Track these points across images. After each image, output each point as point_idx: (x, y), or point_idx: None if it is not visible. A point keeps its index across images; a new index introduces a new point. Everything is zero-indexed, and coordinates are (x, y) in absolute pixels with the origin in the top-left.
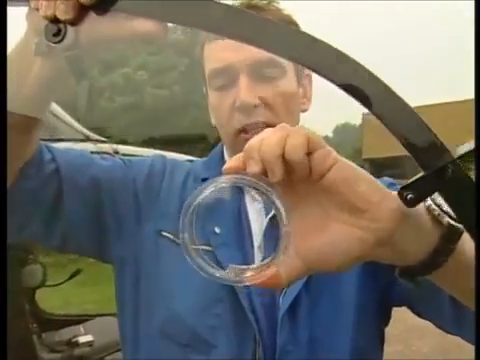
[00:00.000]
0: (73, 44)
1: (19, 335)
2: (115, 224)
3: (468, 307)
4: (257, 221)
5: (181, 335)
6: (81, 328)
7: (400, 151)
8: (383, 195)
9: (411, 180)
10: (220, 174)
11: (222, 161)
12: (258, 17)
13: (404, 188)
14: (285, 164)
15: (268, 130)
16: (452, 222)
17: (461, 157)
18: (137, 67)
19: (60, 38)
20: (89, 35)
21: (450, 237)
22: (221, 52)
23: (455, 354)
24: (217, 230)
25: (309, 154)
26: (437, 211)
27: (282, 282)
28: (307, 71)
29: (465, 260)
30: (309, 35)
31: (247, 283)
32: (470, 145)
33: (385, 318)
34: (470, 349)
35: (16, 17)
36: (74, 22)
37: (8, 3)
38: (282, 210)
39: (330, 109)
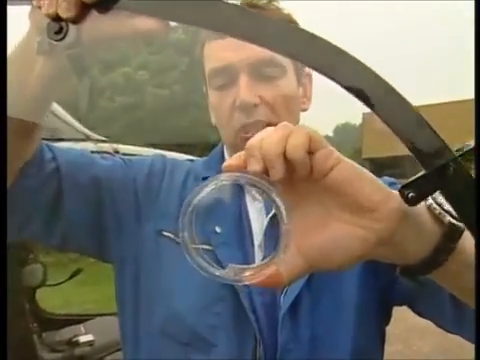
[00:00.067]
0: (75, 42)
1: (19, 335)
2: (115, 223)
3: (469, 306)
4: (258, 220)
5: (181, 334)
6: (81, 328)
7: (400, 151)
8: (385, 195)
9: (412, 178)
10: (220, 173)
11: (222, 160)
12: (259, 16)
13: (405, 187)
14: (286, 163)
15: (269, 129)
16: (453, 221)
17: (462, 155)
18: (138, 66)
19: (62, 36)
20: (91, 33)
21: (451, 236)
22: (221, 51)
23: (456, 354)
24: (218, 229)
25: (310, 153)
26: (438, 210)
27: (282, 281)
28: (307, 70)
29: (466, 259)
30: (309, 32)
31: (247, 282)
32: (472, 144)
33: (386, 317)
34: (471, 349)
35: (16, 16)
36: (76, 20)
37: (8, 2)
38: (282, 208)
39: (330, 109)
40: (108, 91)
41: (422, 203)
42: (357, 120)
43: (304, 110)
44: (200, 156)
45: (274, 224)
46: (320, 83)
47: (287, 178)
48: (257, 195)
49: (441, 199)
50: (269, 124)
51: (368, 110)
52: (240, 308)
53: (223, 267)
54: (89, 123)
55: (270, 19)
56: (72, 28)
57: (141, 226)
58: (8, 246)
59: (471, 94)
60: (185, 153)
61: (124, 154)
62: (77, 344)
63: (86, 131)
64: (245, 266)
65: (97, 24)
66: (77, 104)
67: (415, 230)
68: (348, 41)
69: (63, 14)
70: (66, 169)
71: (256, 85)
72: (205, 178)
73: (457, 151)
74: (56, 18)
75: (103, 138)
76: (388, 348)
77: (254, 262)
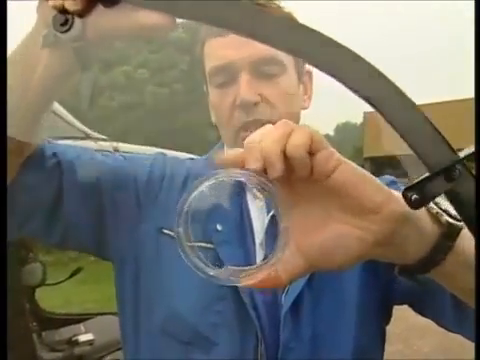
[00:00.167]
0: (80, 35)
1: (19, 334)
2: (115, 222)
3: (470, 305)
4: (259, 219)
5: (182, 333)
6: (81, 327)
7: (401, 150)
8: (387, 197)
9: (416, 180)
10: (217, 170)
11: None
12: (261, 10)
13: (409, 189)
14: (285, 161)
15: (269, 126)
16: (450, 220)
17: (467, 157)
18: (138, 65)
19: (67, 28)
20: (96, 28)
21: (449, 235)
22: (221, 50)
23: (456, 353)
24: (219, 227)
25: (311, 154)
26: (435, 209)
27: (280, 283)
28: (308, 68)
29: (465, 259)
30: (311, 29)
31: (242, 284)
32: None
33: (386, 316)
34: (471, 348)
35: (16, 16)
36: (82, 13)
37: None
38: (280, 207)
39: (331, 107)
40: (108, 90)
41: None
42: (358, 119)
43: (304, 108)
44: (200, 154)
45: (275, 222)
46: (321, 81)
47: (286, 177)
48: (258, 193)
49: (438, 198)
50: (269, 122)
51: (369, 109)
52: (241, 306)
53: (222, 265)
54: (89, 122)
55: (271, 15)
56: (78, 21)
57: (141, 224)
58: (8, 244)
59: (471, 94)
60: (186, 151)
61: (124, 153)
62: (77, 343)
63: (86, 130)
64: (241, 268)
65: (102, 19)
66: (77, 103)
67: (415, 231)
68: (348, 41)
69: (70, 7)
70: (67, 166)
71: (257, 83)
72: None
73: (466, 157)
74: (62, 11)
75: (103, 137)
76: (388, 348)
77: (255, 260)
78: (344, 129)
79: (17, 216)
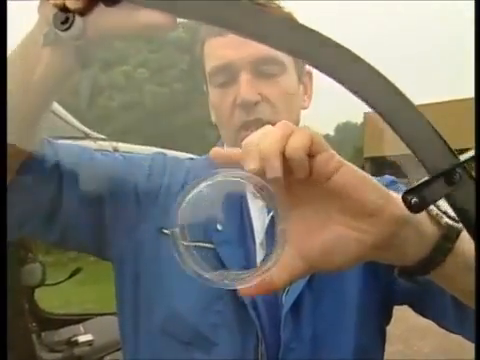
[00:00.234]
0: (80, 34)
1: (18, 334)
2: (115, 221)
3: (470, 306)
4: (259, 218)
5: (182, 333)
6: (81, 327)
7: (402, 150)
8: (387, 200)
9: (416, 184)
10: (215, 170)
11: None
12: (261, 10)
13: (408, 192)
14: (285, 163)
15: (269, 126)
16: (450, 222)
17: (468, 160)
18: (137, 65)
19: (68, 26)
20: (97, 26)
21: (448, 237)
22: (221, 49)
23: (456, 354)
24: (219, 227)
25: (311, 156)
26: (435, 211)
27: (276, 287)
28: (308, 68)
29: (464, 261)
30: (311, 29)
31: (236, 287)
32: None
33: (387, 317)
34: (471, 349)
35: (16, 17)
36: (83, 12)
37: None
38: (279, 209)
39: (331, 107)
40: (107, 89)
41: None
42: (358, 119)
43: (304, 108)
44: (200, 154)
45: (275, 223)
46: (321, 81)
47: (285, 178)
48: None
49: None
50: (269, 122)
51: (369, 109)
52: (242, 306)
53: (222, 265)
54: (88, 122)
55: (273, 15)
56: (78, 20)
57: (141, 224)
58: (7, 244)
59: (471, 94)
60: (185, 151)
61: (124, 153)
62: (76, 344)
63: (85, 130)
64: (236, 272)
65: (103, 18)
66: (77, 103)
67: (415, 233)
68: (348, 41)
69: (71, 5)
70: (66, 165)
71: (257, 83)
72: None
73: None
74: (63, 9)
75: (103, 137)
76: (389, 348)
77: (255, 260)
78: (344, 129)
79: (17, 215)
